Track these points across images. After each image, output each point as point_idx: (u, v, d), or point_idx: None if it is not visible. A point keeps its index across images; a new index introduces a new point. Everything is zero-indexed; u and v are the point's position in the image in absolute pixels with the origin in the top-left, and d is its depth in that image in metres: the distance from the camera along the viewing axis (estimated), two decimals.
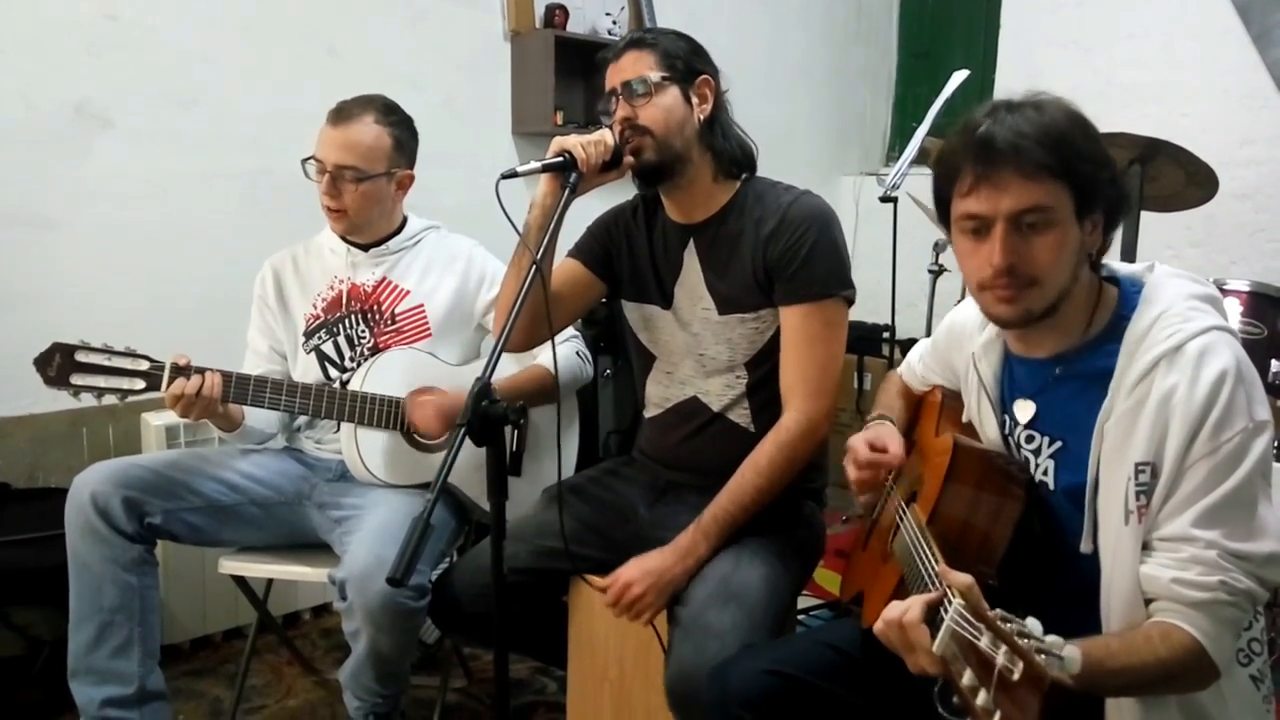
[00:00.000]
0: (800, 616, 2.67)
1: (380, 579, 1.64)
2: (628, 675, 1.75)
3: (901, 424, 1.56)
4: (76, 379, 1.73)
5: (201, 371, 1.79)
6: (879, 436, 1.45)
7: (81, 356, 1.73)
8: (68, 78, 2.43)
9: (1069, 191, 1.15)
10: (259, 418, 1.98)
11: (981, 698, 0.83)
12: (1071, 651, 0.84)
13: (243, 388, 1.83)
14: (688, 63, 1.68)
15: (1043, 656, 0.82)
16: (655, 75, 1.66)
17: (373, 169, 1.94)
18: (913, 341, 3.41)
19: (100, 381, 1.74)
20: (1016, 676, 0.81)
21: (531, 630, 1.88)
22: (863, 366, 3.86)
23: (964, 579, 0.96)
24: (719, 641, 1.44)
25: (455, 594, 1.75)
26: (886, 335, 3.51)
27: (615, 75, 1.69)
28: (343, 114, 1.94)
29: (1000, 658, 0.83)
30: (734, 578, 1.56)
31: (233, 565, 1.99)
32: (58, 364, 1.72)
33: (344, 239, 2.06)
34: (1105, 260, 1.30)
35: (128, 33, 2.50)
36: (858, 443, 1.45)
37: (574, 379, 2.08)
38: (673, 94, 1.67)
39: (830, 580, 2.91)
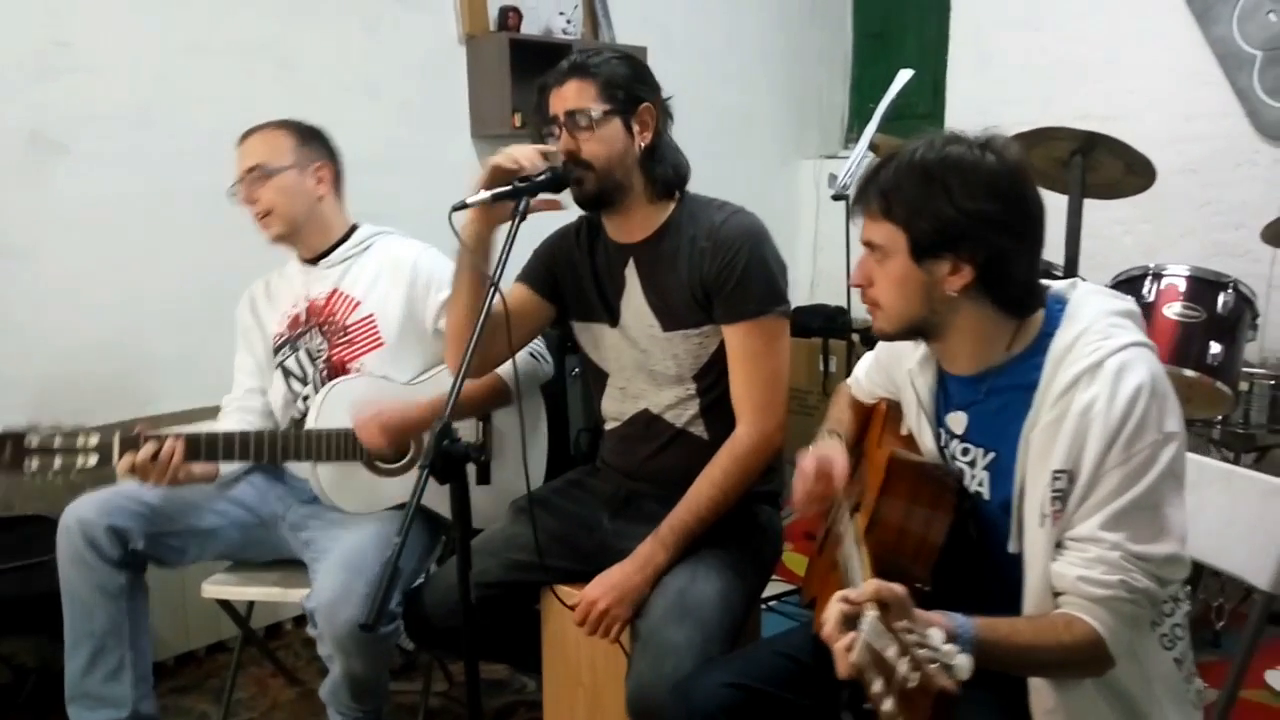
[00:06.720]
0: (771, 603, 2.75)
1: (347, 609, 1.70)
2: (600, 679, 1.81)
3: (850, 436, 1.62)
4: (29, 463, 1.78)
5: (158, 438, 1.81)
6: (825, 456, 1.51)
7: (31, 442, 1.78)
8: (20, 106, 2.42)
9: (903, 235, 1.26)
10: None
11: (887, 705, 0.92)
12: (963, 660, 0.93)
13: (195, 447, 1.84)
14: (629, 91, 1.68)
15: (935, 665, 0.91)
16: (598, 109, 1.66)
17: (277, 162, 1.98)
18: (867, 326, 3.49)
19: (55, 462, 1.79)
20: (913, 685, 0.90)
21: (506, 640, 1.94)
22: (827, 349, 3.92)
23: (881, 592, 1.01)
24: (675, 658, 1.50)
25: (426, 612, 1.80)
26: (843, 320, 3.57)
27: (558, 103, 1.68)
28: (243, 136, 2.03)
29: (901, 668, 0.91)
30: (690, 592, 1.61)
31: (215, 590, 2.04)
32: (10, 453, 1.77)
33: (304, 260, 2.08)
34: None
35: (78, 58, 2.49)
36: (806, 460, 1.51)
37: (532, 376, 2.08)
38: (614, 126, 1.68)
39: (799, 564, 3.00)
